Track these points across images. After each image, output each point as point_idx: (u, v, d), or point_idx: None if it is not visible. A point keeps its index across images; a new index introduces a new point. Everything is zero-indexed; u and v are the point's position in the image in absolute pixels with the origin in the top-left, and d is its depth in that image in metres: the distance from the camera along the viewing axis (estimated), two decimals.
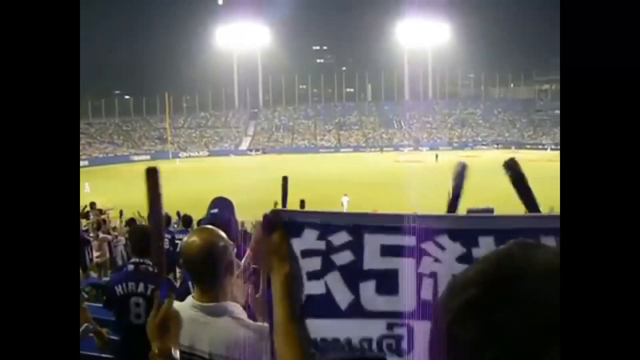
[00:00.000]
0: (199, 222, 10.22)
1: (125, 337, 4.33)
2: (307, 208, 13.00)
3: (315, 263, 1.59)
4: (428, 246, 1.54)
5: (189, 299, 2.21)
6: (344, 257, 1.60)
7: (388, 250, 1.58)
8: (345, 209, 27.58)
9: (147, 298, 4.09)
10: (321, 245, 1.60)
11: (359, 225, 1.60)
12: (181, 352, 2.07)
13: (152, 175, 1.69)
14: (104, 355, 4.53)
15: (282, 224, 1.55)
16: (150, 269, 4.17)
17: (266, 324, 2.04)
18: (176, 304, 2.29)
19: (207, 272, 2.14)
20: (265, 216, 1.53)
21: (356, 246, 1.59)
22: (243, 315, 2.15)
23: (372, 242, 1.59)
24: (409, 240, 1.54)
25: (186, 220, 10.62)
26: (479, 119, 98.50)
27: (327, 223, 1.61)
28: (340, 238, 1.59)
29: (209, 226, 2.40)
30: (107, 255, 14.02)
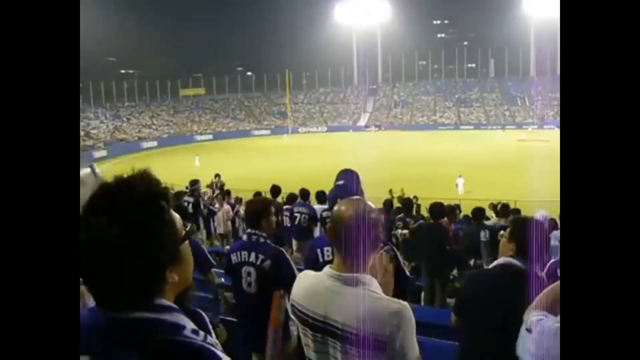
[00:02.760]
0: (318, 194, 10.39)
1: (238, 303, 4.55)
2: (422, 187, 12.85)
3: None
4: None
5: (327, 269, 2.22)
6: None
7: None
8: (460, 191, 26.92)
9: (256, 267, 4.24)
10: None
11: None
12: (315, 321, 2.13)
13: None
14: (228, 318, 4.76)
15: None
16: (262, 240, 4.33)
17: (402, 301, 2.06)
18: (315, 273, 2.32)
19: (354, 242, 2.11)
20: None
21: None
22: (378, 289, 2.13)
23: None
24: None
25: (304, 194, 10.81)
26: None
27: None
28: None
29: (362, 198, 2.37)
30: (230, 226, 14.68)
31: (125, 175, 1.32)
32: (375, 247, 2.19)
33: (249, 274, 4.30)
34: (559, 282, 2.09)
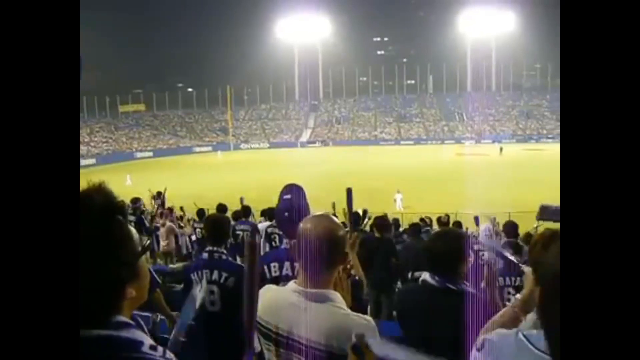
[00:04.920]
0: (263, 210, 10.33)
1: (200, 323, 4.43)
2: (363, 201, 12.99)
3: None
4: None
5: (292, 284, 2.19)
6: None
7: None
8: (398, 207, 27.09)
9: (220, 285, 4.19)
10: None
11: None
12: (279, 336, 2.09)
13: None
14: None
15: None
16: (224, 257, 4.30)
17: (366, 316, 2.08)
18: (278, 288, 2.30)
19: (320, 259, 2.08)
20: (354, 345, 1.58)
21: None
22: (343, 304, 2.11)
23: None
24: None
25: (245, 211, 10.75)
26: (545, 111, 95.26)
27: None
28: None
29: (328, 213, 2.34)
30: (173, 244, 14.41)
31: (80, 189, 1.28)
32: (340, 263, 2.19)
33: (212, 292, 4.22)
34: (505, 310, 2.21)
